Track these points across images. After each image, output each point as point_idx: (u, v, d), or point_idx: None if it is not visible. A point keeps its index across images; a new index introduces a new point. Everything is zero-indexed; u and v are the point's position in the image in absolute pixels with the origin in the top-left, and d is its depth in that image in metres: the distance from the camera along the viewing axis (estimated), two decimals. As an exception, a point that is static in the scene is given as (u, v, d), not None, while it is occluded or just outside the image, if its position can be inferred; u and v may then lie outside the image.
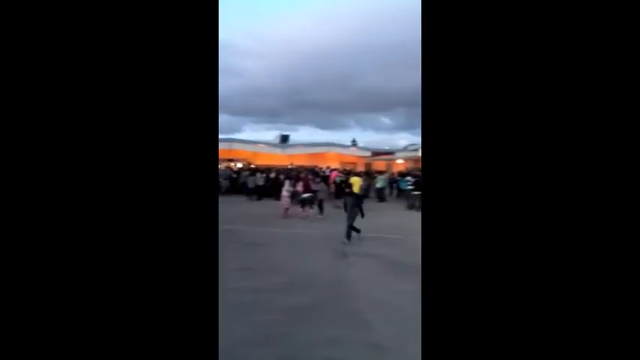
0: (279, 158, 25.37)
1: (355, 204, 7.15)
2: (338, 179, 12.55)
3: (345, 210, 7.35)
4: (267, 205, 12.66)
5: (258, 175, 16.54)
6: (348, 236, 6.95)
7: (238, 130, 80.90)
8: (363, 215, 7.17)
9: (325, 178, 13.63)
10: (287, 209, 10.12)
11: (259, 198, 15.07)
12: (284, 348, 3.07)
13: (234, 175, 17.63)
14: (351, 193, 7.51)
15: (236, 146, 25.96)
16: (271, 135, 31.12)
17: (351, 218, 7.01)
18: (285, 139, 29.02)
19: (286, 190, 10.45)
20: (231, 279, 4.87)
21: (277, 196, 14.52)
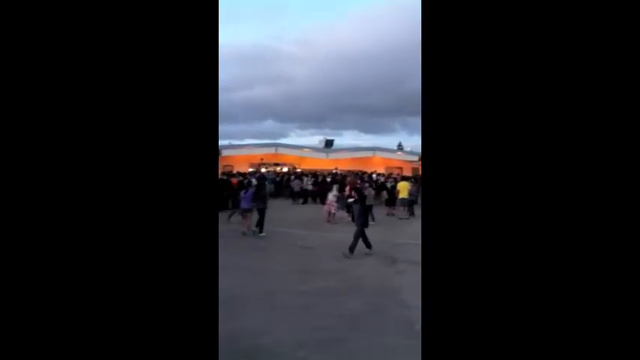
0: (324, 163, 25.52)
1: (362, 212, 6.51)
2: (389, 184, 12.26)
3: (353, 220, 6.72)
4: (312, 209, 12.82)
5: (305, 178, 16.82)
6: (352, 249, 6.26)
7: (284, 136, 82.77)
8: (367, 225, 6.56)
9: (382, 186, 13.09)
10: (333, 214, 10.17)
11: (304, 201, 15.30)
12: (339, 354, 3.10)
13: (277, 179, 18.09)
14: (358, 200, 6.81)
15: (282, 151, 26.54)
16: (316, 140, 31.49)
17: (359, 228, 6.39)
18: (329, 143, 29.16)
19: (333, 194, 10.50)
20: (284, 282, 5.01)
21: (322, 200, 14.68)
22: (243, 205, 8.47)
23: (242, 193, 8.78)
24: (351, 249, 6.26)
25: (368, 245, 6.47)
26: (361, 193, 6.95)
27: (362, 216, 6.46)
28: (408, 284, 4.87)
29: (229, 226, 9.05)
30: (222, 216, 10.15)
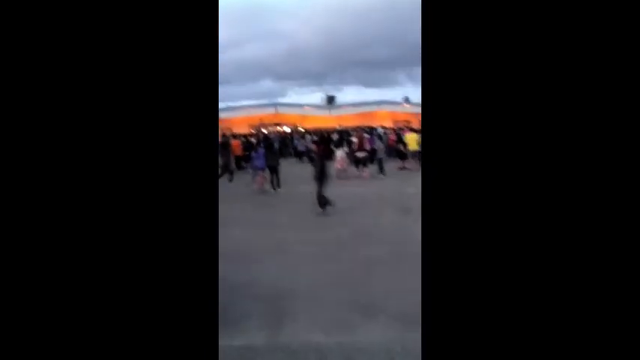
0: (327, 120, 25.13)
1: (322, 168, 6.31)
2: (404, 136, 12.12)
3: (314, 177, 6.41)
4: (319, 166, 12.80)
5: (308, 137, 16.67)
6: (322, 204, 6.21)
7: (283, 95, 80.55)
8: (323, 181, 6.28)
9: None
10: (344, 170, 10.14)
11: (310, 160, 15.28)
12: (361, 294, 3.20)
13: (279, 139, 17.98)
14: (321, 155, 6.50)
15: (282, 110, 26.05)
16: (317, 97, 30.78)
17: (321, 184, 6.23)
18: (331, 100, 28.54)
19: (342, 151, 10.41)
20: (300, 233, 5.11)
21: (328, 157, 14.64)
22: (256, 164, 8.69)
23: (253, 153, 8.99)
24: (322, 204, 6.20)
25: (321, 205, 6.27)
26: (327, 148, 6.68)
27: (320, 173, 6.25)
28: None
29: (242, 185, 9.12)
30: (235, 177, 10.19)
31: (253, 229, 5.44)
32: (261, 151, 8.87)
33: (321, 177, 6.29)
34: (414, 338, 2.37)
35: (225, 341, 2.37)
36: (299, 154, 15.75)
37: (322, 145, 7.12)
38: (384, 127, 18.98)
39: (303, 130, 21.37)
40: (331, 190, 7.97)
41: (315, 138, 15.79)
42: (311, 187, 6.63)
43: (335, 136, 14.73)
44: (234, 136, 15.03)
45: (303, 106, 27.52)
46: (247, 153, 11.48)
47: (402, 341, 2.46)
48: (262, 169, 8.63)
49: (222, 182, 9.49)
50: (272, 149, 8.99)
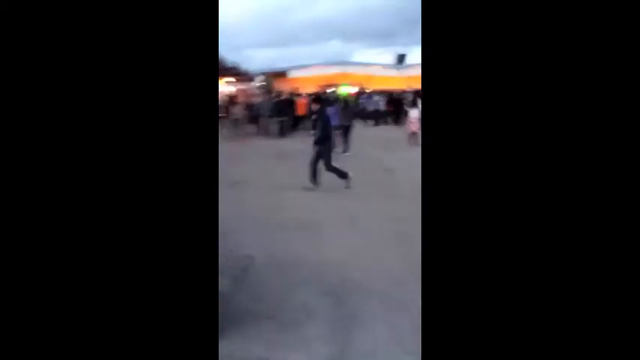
0: (395, 81, 23.68)
1: (324, 135, 4.90)
2: None
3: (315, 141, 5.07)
4: (387, 130, 12.04)
5: (375, 98, 15.79)
6: (340, 175, 5.05)
7: (349, 57, 77.85)
8: (328, 147, 4.95)
9: None
10: (415, 133, 9.31)
11: (376, 123, 14.55)
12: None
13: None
14: (320, 115, 5.20)
15: (349, 70, 25.09)
16: (385, 58, 28.87)
17: (327, 156, 4.99)
18: (401, 59, 26.65)
19: (417, 111, 9.49)
20: (371, 203, 4.72)
21: (397, 120, 13.76)
22: (332, 122, 8.43)
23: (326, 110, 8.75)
24: (342, 176, 5.14)
25: (341, 174, 5.07)
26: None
27: (324, 141, 4.92)
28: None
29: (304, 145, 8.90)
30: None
31: (322, 193, 5.15)
32: (334, 109, 8.41)
33: (325, 141, 4.97)
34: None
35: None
36: (365, 116, 14.99)
37: (319, 102, 6.09)
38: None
39: (368, 91, 20.39)
40: (403, 156, 7.33)
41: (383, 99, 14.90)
42: (380, 153, 6.04)
43: (409, 97, 13.60)
44: (298, 95, 14.59)
45: (372, 65, 26.21)
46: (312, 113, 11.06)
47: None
48: (337, 128, 8.23)
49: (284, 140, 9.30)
50: (347, 108, 8.48)
